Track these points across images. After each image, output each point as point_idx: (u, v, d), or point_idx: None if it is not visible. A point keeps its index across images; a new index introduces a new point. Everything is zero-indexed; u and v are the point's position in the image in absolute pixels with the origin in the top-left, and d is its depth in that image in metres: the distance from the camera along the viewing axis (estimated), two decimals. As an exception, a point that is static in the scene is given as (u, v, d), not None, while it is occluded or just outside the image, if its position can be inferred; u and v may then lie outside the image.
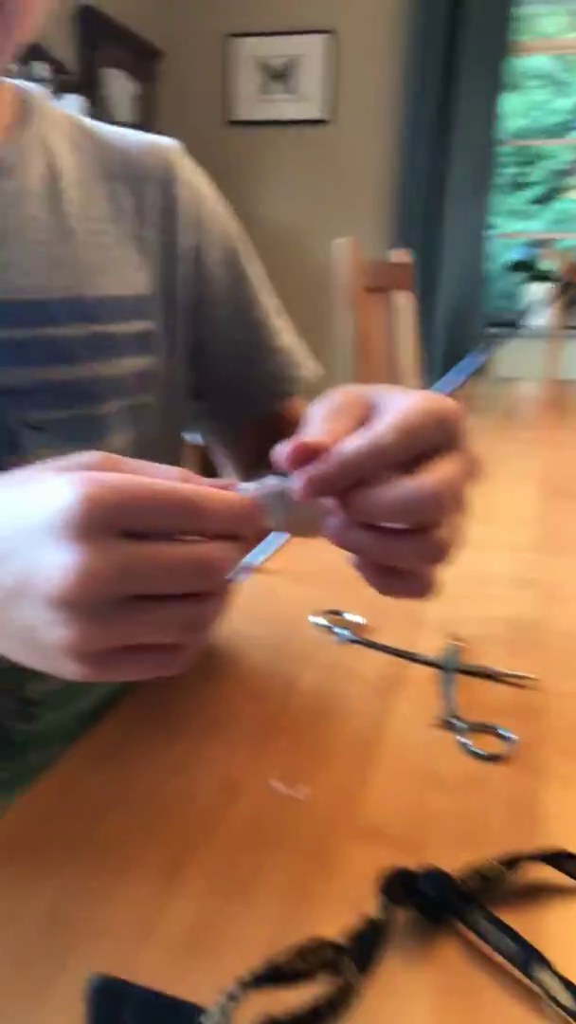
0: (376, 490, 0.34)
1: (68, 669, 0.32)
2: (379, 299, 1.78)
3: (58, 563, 0.30)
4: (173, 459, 0.68)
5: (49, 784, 0.45)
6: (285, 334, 0.73)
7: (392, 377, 1.93)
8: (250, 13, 3.23)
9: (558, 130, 4.50)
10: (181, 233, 0.64)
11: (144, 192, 0.63)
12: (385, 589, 0.38)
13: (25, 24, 0.50)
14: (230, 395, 0.70)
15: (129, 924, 0.36)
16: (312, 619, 0.65)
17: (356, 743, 0.50)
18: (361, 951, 0.31)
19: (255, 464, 0.72)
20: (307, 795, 0.45)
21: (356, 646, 0.62)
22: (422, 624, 0.66)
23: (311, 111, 3.25)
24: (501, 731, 0.51)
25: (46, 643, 0.32)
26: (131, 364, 0.60)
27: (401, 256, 1.99)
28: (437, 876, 0.36)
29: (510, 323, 3.34)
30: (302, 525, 0.37)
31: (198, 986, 0.32)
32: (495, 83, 2.97)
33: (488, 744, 0.50)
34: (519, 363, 3.24)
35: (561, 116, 4.48)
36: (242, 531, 0.34)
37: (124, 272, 0.60)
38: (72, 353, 0.56)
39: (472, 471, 0.37)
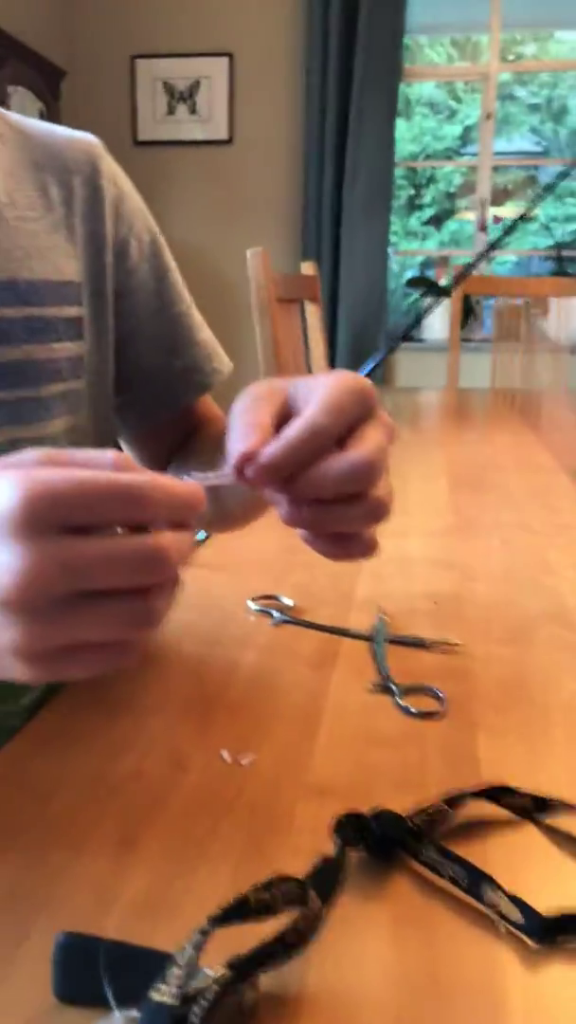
0: (322, 467, 0.37)
1: (16, 670, 0.32)
2: (290, 309, 1.82)
3: (2, 564, 0.29)
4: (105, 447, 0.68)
5: (-9, 769, 0.44)
6: (203, 328, 0.74)
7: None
8: (155, 35, 3.25)
9: (447, 154, 4.71)
10: (107, 224, 0.65)
11: (71, 183, 0.64)
12: (335, 554, 0.40)
13: None
14: (150, 387, 0.70)
15: (88, 893, 0.35)
16: (250, 603, 0.66)
17: (298, 712, 0.51)
18: (322, 886, 0.32)
19: (167, 459, 0.73)
20: (252, 762, 0.45)
21: (292, 626, 0.63)
22: (351, 603, 0.68)
23: (215, 131, 3.29)
24: (435, 691, 0.53)
25: None
26: (65, 348, 0.61)
27: (309, 268, 2.04)
28: (387, 816, 0.37)
29: (409, 336, 3.46)
30: (241, 511, 0.39)
31: (163, 944, 0.32)
32: (388, 107, 3.09)
33: (422, 703, 0.52)
34: (419, 373, 3.35)
35: (449, 141, 4.69)
36: (189, 519, 0.33)
37: (56, 258, 0.61)
38: (9, 334, 0.56)
39: (390, 434, 0.41)
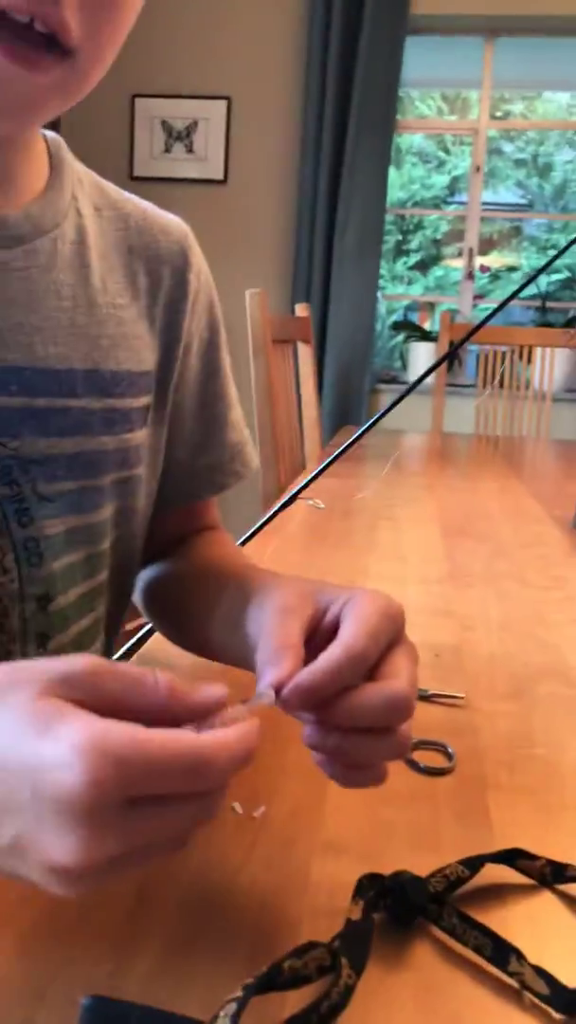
0: (358, 697, 0.38)
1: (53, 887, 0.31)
2: (283, 350, 1.84)
3: (66, 844, 0.28)
4: (143, 532, 0.67)
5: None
6: (238, 427, 0.73)
7: (298, 423, 1.98)
8: (155, 75, 3.31)
9: (435, 202, 4.82)
10: (185, 318, 0.64)
11: (160, 273, 0.63)
12: (347, 781, 0.40)
13: (88, 83, 0.49)
14: (171, 480, 0.68)
15: (103, 954, 0.35)
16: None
17: (305, 766, 0.50)
18: (352, 953, 0.32)
19: (157, 549, 0.71)
20: (262, 815, 0.45)
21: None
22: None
23: (211, 171, 3.34)
24: (444, 746, 0.53)
25: (36, 883, 0.31)
26: (134, 437, 0.60)
27: (303, 310, 2.06)
28: (408, 879, 0.37)
29: (395, 379, 3.50)
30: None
31: (184, 1007, 0.31)
32: (382, 156, 3.16)
33: (431, 759, 0.52)
34: (404, 416, 3.38)
35: (437, 190, 4.80)
36: (244, 767, 0.32)
37: (137, 348, 0.60)
38: (87, 425, 0.55)
39: (416, 661, 0.41)
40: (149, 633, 0.70)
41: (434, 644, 0.71)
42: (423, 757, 0.51)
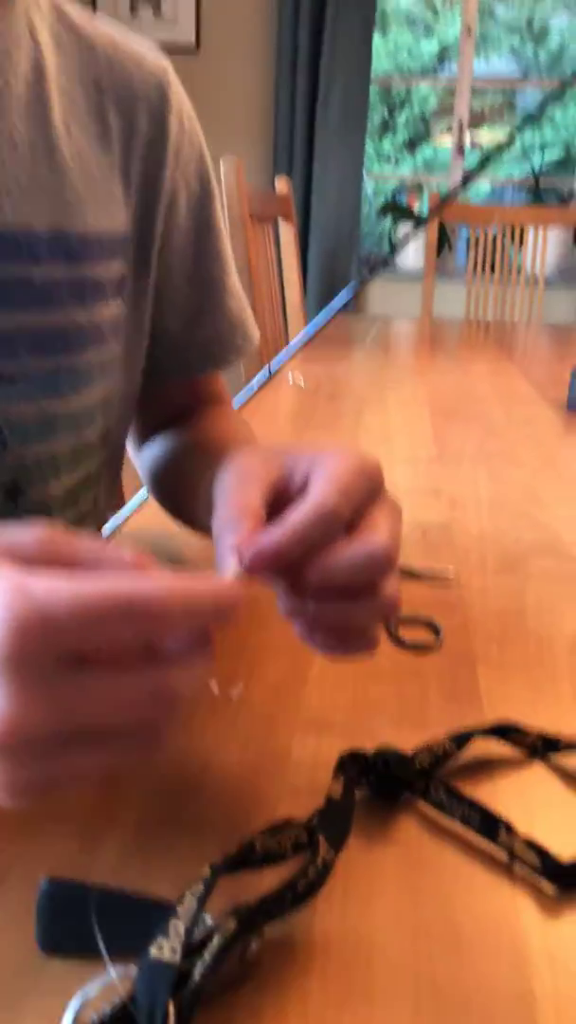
0: (333, 556, 0.33)
1: None
2: (263, 228, 1.73)
3: None
4: (128, 418, 0.61)
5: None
6: (236, 295, 0.66)
7: (280, 307, 1.90)
8: None
9: (423, 73, 4.53)
10: (167, 171, 0.56)
11: (135, 114, 0.54)
12: (335, 651, 0.36)
13: None
14: (167, 354, 0.62)
15: (71, 834, 0.33)
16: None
17: (288, 644, 0.48)
18: (330, 831, 0.30)
19: (155, 430, 0.66)
20: (239, 694, 0.43)
21: (274, 554, 0.60)
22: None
23: (181, 35, 3.10)
24: (432, 623, 0.50)
25: None
26: (108, 310, 0.53)
27: (283, 184, 1.94)
28: (392, 755, 0.35)
29: (382, 263, 3.37)
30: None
31: (155, 890, 0.29)
32: (366, 19, 2.93)
33: (418, 636, 0.49)
34: (391, 302, 3.28)
35: (426, 59, 4.51)
36: (216, 625, 0.28)
37: (109, 206, 0.52)
38: (52, 296, 0.48)
39: (400, 518, 0.37)
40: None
41: (422, 523, 0.68)
42: (409, 634, 0.49)
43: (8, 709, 0.24)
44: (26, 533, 0.28)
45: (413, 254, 3.30)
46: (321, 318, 0.59)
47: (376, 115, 4.00)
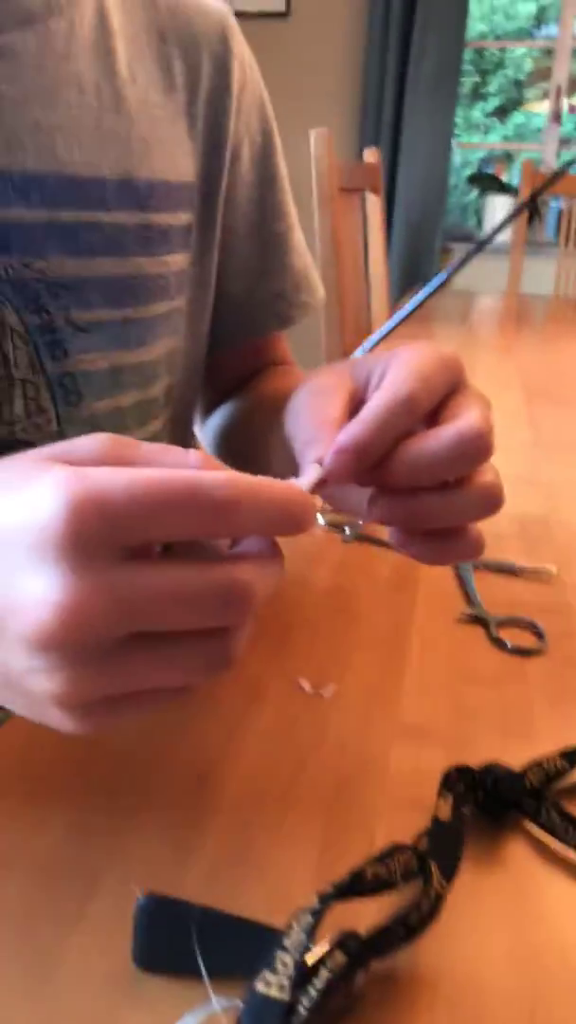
0: (417, 443, 0.30)
1: (55, 720, 0.25)
2: (351, 199, 1.69)
3: (39, 595, 0.22)
4: (195, 379, 0.60)
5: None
6: (301, 251, 0.64)
7: (364, 282, 1.86)
8: None
9: (519, 35, 4.34)
10: (231, 116, 0.55)
11: (199, 62, 0.53)
12: (437, 557, 0.33)
13: None
14: (230, 313, 0.61)
15: (163, 843, 0.31)
16: (319, 516, 0.61)
17: (381, 640, 0.46)
18: (442, 857, 0.28)
19: (226, 394, 0.65)
20: (334, 693, 0.41)
21: (365, 545, 0.58)
22: (429, 522, 0.62)
23: (272, 1, 3.03)
24: (534, 624, 0.47)
25: (28, 690, 0.25)
26: (175, 261, 0.52)
27: (372, 156, 1.89)
28: (502, 773, 0.33)
29: (468, 237, 3.27)
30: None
31: (250, 908, 0.28)
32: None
33: (520, 638, 0.47)
34: (477, 277, 3.18)
35: (522, 21, 4.32)
36: (289, 533, 0.25)
37: (175, 154, 0.52)
38: (121, 244, 0.48)
39: (489, 407, 0.33)
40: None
41: (520, 515, 0.65)
42: (511, 636, 0.46)
43: (63, 598, 0.22)
44: (86, 440, 0.26)
45: (501, 226, 3.19)
46: (422, 295, 0.56)
47: (467, 81, 3.86)
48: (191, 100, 0.53)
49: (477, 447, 0.30)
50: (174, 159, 0.52)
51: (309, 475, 0.30)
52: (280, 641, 0.45)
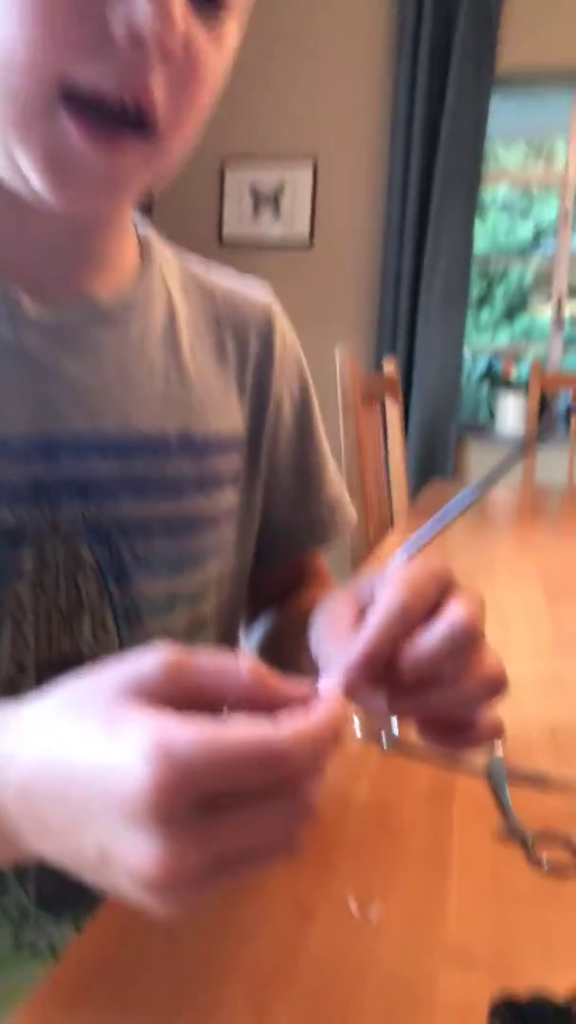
0: (417, 642, 0.36)
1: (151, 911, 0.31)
2: (371, 407, 1.83)
3: (142, 851, 0.28)
4: (241, 595, 0.68)
5: (114, 911, 0.42)
6: (334, 481, 0.74)
7: (385, 477, 1.97)
8: (243, 137, 3.42)
9: (520, 250, 4.79)
10: (274, 381, 0.66)
11: (247, 340, 0.65)
12: (456, 744, 0.39)
13: (171, 160, 0.49)
14: (273, 536, 0.69)
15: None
16: (356, 727, 0.64)
17: (423, 859, 0.48)
18: None
19: (268, 606, 0.72)
20: (379, 917, 0.42)
21: (401, 755, 0.60)
22: (462, 730, 0.65)
23: (297, 234, 3.42)
24: (571, 841, 0.49)
25: (133, 898, 0.30)
26: (226, 500, 0.61)
27: (391, 366, 2.06)
28: (549, 1005, 0.34)
29: (482, 430, 3.45)
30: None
31: None
32: (469, 207, 3.17)
33: (557, 855, 0.48)
34: (489, 468, 3.32)
35: (522, 239, 4.78)
36: (333, 753, 0.31)
37: (227, 412, 0.62)
38: (181, 488, 0.56)
39: (480, 604, 0.39)
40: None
41: (550, 722, 0.68)
42: (548, 851, 0.48)
43: (161, 856, 0.27)
44: (150, 662, 0.30)
45: (512, 419, 3.37)
46: (453, 511, 0.60)
47: (474, 289, 4.23)
48: (241, 370, 0.64)
49: (467, 633, 0.36)
50: (226, 417, 0.61)
51: (331, 688, 0.35)
52: (326, 860, 0.47)
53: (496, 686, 0.37)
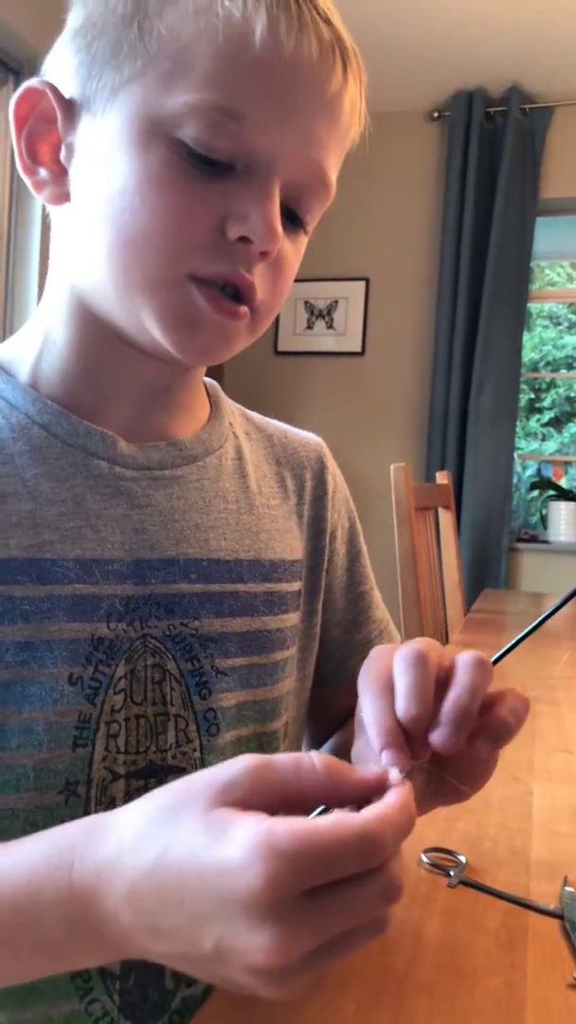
0: (448, 692, 0.45)
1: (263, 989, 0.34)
2: (425, 517, 1.86)
3: (259, 942, 0.31)
4: (302, 715, 0.73)
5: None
6: (380, 606, 0.80)
7: (440, 587, 1.97)
8: (302, 262, 3.61)
9: (568, 361, 4.88)
10: (328, 512, 0.74)
11: (304, 477, 0.73)
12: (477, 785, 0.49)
13: (263, 328, 0.59)
14: (331, 658, 0.75)
15: None
16: (423, 857, 0.63)
17: (497, 1008, 0.47)
18: None
19: (333, 725, 0.76)
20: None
21: (471, 889, 0.60)
22: (529, 865, 0.64)
23: (349, 344, 3.56)
24: None
25: (248, 986, 0.34)
26: (290, 619, 0.67)
27: (444, 478, 2.11)
28: None
29: (535, 538, 3.44)
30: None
31: None
32: (516, 323, 3.27)
33: None
34: (545, 577, 3.30)
35: (569, 350, 4.88)
36: (407, 834, 0.35)
37: (289, 540, 0.69)
38: (253, 607, 0.63)
39: (487, 672, 0.47)
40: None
41: (619, 859, 0.66)
42: (627, 1008, 0.47)
43: (276, 944, 0.31)
44: (235, 768, 0.35)
45: (565, 527, 3.37)
46: (528, 631, 0.62)
47: (523, 397, 4.30)
48: (299, 503, 0.72)
49: (480, 664, 0.46)
50: (289, 543, 0.69)
51: (397, 775, 0.38)
52: (400, 1003, 0.47)
53: (504, 728, 0.45)
